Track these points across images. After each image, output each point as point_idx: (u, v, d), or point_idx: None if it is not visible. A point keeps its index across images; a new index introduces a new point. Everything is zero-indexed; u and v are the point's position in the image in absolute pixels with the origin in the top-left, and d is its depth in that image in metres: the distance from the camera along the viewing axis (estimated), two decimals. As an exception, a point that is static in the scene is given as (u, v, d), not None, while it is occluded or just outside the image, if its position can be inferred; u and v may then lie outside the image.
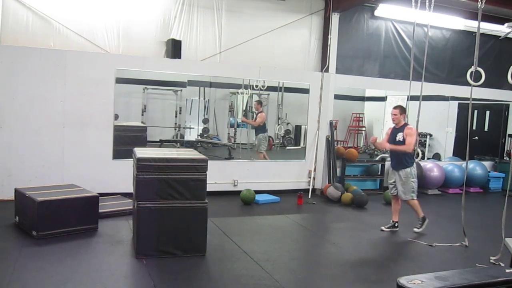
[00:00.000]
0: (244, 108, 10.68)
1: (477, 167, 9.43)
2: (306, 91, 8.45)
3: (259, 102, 9.31)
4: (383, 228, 6.07)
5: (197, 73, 8.11)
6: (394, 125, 6.05)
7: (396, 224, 6.07)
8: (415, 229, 5.98)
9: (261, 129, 9.16)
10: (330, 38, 8.26)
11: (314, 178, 8.32)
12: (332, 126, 8.55)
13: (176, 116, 10.53)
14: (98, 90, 6.85)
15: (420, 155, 6.16)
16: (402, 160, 5.88)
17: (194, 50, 7.60)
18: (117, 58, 7.02)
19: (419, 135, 8.19)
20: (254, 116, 9.39)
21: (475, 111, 11.03)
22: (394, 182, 6.01)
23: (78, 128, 6.79)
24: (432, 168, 8.95)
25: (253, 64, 7.94)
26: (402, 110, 6.00)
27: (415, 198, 5.97)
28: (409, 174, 5.87)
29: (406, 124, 5.95)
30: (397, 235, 5.91)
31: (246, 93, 9.53)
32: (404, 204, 6.04)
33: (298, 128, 11.02)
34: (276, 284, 4.05)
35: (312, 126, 8.50)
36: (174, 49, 7.26)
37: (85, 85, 6.78)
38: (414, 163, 5.94)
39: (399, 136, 5.87)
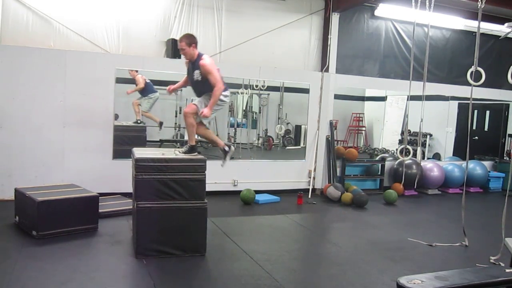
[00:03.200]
0: (244, 108, 10.67)
1: (477, 167, 9.43)
2: (306, 91, 8.45)
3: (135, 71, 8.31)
4: (178, 151, 4.93)
5: (197, 73, 8.09)
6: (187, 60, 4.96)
7: (227, 148, 5.13)
8: (177, 150, 4.95)
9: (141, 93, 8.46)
10: (330, 38, 8.26)
11: (314, 178, 8.32)
12: (332, 126, 8.55)
13: (176, 116, 10.52)
14: (98, 90, 6.85)
15: (411, 151, 6.06)
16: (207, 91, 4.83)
17: (194, 50, 7.59)
18: (117, 58, 7.02)
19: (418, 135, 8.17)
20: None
21: (475, 111, 11.03)
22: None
23: (78, 128, 6.79)
24: (432, 168, 8.94)
25: (253, 64, 7.94)
26: (189, 39, 4.77)
27: (204, 122, 4.96)
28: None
29: (200, 57, 4.79)
30: (397, 235, 5.90)
31: (246, 93, 9.52)
32: (404, 205, 5.96)
33: (298, 128, 11.00)
34: (276, 284, 4.05)
35: (312, 126, 8.50)
36: (174, 49, 7.25)
37: (85, 85, 6.78)
38: (227, 90, 4.92)
39: (196, 75, 4.81)
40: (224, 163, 5.20)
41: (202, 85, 4.83)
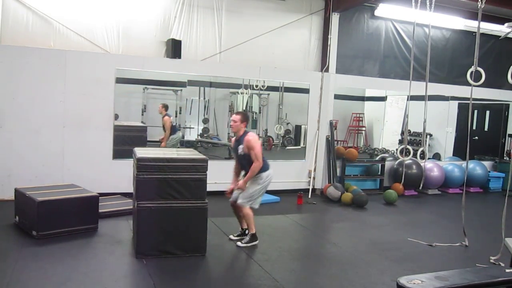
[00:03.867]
0: (244, 108, 10.67)
1: (477, 167, 9.42)
2: (306, 91, 8.45)
3: (164, 106, 8.91)
4: (231, 237, 5.30)
5: (197, 73, 8.10)
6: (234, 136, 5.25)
7: (247, 232, 5.23)
8: (239, 243, 5.11)
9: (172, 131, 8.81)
10: (330, 38, 8.26)
11: (314, 178, 8.31)
12: (332, 126, 8.55)
13: (176, 116, 10.52)
14: (98, 90, 6.85)
15: (427, 156, 6.03)
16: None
17: (194, 50, 7.60)
18: (117, 58, 7.02)
19: (419, 135, 8.19)
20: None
21: (475, 111, 11.03)
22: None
23: (78, 128, 6.79)
24: (432, 168, 8.95)
25: (253, 64, 7.93)
26: (244, 117, 5.15)
27: (249, 206, 5.08)
28: (257, 180, 5.07)
29: (246, 133, 5.08)
30: (397, 235, 5.91)
31: (246, 93, 9.52)
32: (404, 205, 5.96)
33: (298, 128, 11.01)
34: (276, 284, 4.05)
35: (312, 126, 8.49)
36: (174, 49, 7.26)
37: (85, 85, 6.78)
38: (268, 170, 5.14)
39: (240, 149, 5.06)
40: (242, 244, 5.11)
41: (245, 159, 5.09)
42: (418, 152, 6.71)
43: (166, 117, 8.81)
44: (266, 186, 5.16)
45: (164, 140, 8.75)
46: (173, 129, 8.85)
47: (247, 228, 5.23)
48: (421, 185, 7.30)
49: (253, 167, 4.97)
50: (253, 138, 5.03)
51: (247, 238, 5.14)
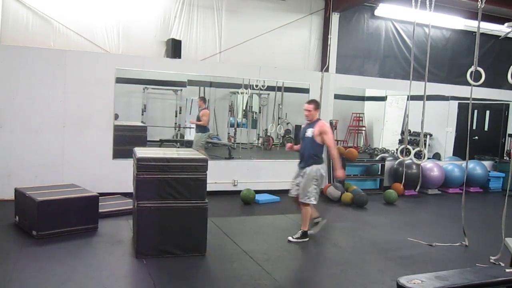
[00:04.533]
0: (244, 108, 10.68)
1: (477, 167, 9.42)
2: (306, 91, 8.45)
3: (202, 99, 9.19)
4: (290, 239, 5.37)
5: (197, 73, 8.11)
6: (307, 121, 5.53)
7: (319, 219, 5.57)
8: (290, 238, 5.36)
9: (200, 128, 8.79)
10: (330, 38, 8.26)
11: (314, 178, 8.30)
12: (332, 126, 8.55)
13: (176, 116, 10.53)
14: (98, 90, 6.85)
15: (426, 156, 6.08)
16: (309, 157, 5.34)
17: (194, 50, 7.60)
18: (117, 58, 7.02)
19: (419, 135, 8.16)
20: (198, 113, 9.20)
21: (475, 111, 11.03)
22: (299, 183, 5.43)
23: (78, 128, 6.79)
24: (432, 167, 8.95)
25: (253, 64, 7.93)
26: (317, 105, 5.51)
27: (312, 202, 5.34)
28: (313, 174, 5.29)
29: (318, 120, 5.45)
30: (397, 235, 5.90)
31: (246, 93, 9.53)
32: (404, 205, 5.96)
33: (298, 128, 11.01)
34: (276, 284, 4.05)
35: (312, 126, 8.48)
36: (174, 49, 7.26)
37: (85, 85, 6.78)
38: (323, 163, 5.40)
39: (309, 132, 5.35)
40: (293, 239, 5.39)
41: (309, 142, 5.36)
42: (413, 152, 6.70)
43: (207, 110, 8.98)
44: (321, 181, 5.44)
45: (193, 121, 8.95)
46: (206, 127, 8.88)
47: (318, 217, 5.58)
48: (418, 188, 7.32)
49: (332, 154, 5.34)
50: (327, 124, 5.47)
51: (299, 234, 5.37)
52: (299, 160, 5.53)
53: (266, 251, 4.95)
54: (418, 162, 6.39)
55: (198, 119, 8.71)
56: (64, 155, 6.75)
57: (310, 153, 5.34)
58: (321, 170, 5.36)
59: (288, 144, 5.82)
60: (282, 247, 5.20)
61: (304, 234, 5.38)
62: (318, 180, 5.35)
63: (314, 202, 5.38)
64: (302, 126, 5.66)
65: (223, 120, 10.99)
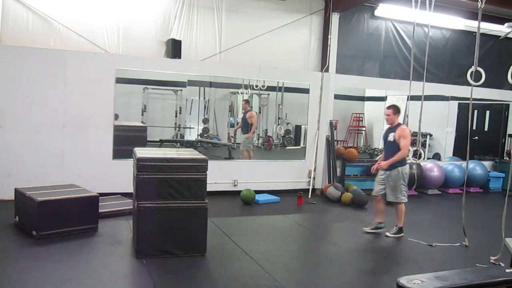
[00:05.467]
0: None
1: (477, 167, 9.43)
2: (306, 91, 8.45)
3: (247, 101, 9.29)
4: (365, 229, 5.87)
5: (197, 73, 8.10)
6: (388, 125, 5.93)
7: (379, 225, 5.87)
8: (387, 233, 5.76)
9: (247, 129, 9.07)
10: (330, 38, 8.26)
11: (314, 178, 8.31)
12: (332, 126, 8.55)
13: (176, 116, 10.53)
14: (98, 90, 6.85)
15: (422, 155, 6.18)
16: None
17: (194, 50, 7.60)
18: (117, 58, 7.02)
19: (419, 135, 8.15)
20: (243, 115, 9.33)
21: (475, 111, 11.03)
22: (384, 184, 5.79)
23: (78, 128, 6.79)
24: (432, 168, 8.95)
25: (253, 64, 7.94)
26: (395, 109, 5.84)
27: (405, 201, 5.76)
28: (400, 175, 5.67)
29: (399, 125, 5.79)
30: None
31: (246, 93, 9.53)
32: (406, 204, 5.95)
33: (298, 128, 11.01)
34: (276, 284, 4.05)
35: (312, 126, 8.50)
36: (174, 49, 7.25)
37: (85, 85, 6.78)
38: (407, 164, 5.76)
39: (391, 137, 5.74)
40: (390, 235, 5.76)
41: (392, 146, 5.72)
42: (412, 152, 6.72)
43: (253, 112, 9.20)
44: (406, 180, 5.72)
45: (252, 130, 9.21)
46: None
47: (380, 222, 5.84)
48: (414, 186, 7.41)
49: (400, 153, 5.59)
50: (406, 129, 5.70)
51: (395, 230, 5.74)
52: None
53: (266, 251, 4.95)
54: (414, 161, 6.43)
55: (245, 121, 9.03)
56: (64, 155, 6.75)
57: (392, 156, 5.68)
58: (405, 169, 5.73)
59: (378, 165, 5.84)
60: (282, 247, 5.20)
61: (400, 230, 5.76)
62: (405, 179, 5.72)
63: (406, 200, 5.76)
64: (384, 129, 6.05)
65: (223, 120, 10.99)
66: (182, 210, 4.57)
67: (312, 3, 8.35)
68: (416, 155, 6.43)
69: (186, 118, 10.68)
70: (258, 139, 10.66)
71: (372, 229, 5.87)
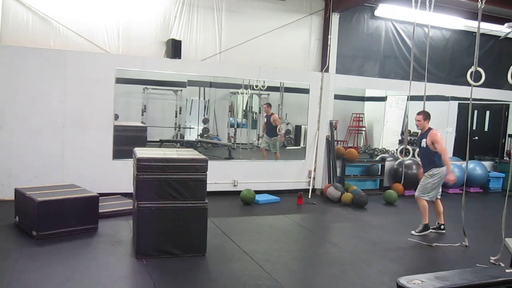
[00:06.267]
0: (244, 108, 10.68)
1: (477, 167, 9.43)
2: (306, 91, 8.45)
3: (269, 105, 9.36)
4: (413, 232, 5.90)
5: (197, 73, 8.10)
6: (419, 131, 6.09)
7: (442, 226, 6.03)
8: (412, 232, 5.91)
9: (273, 132, 9.20)
10: (330, 38, 8.26)
11: (314, 178, 8.32)
12: (332, 126, 8.55)
13: (176, 116, 10.53)
14: (98, 90, 6.85)
15: (411, 151, 6.30)
16: (429, 163, 5.87)
17: (194, 50, 7.60)
18: (117, 58, 7.02)
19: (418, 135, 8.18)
20: (266, 119, 9.38)
21: (475, 111, 11.02)
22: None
23: (78, 128, 6.79)
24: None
25: (253, 64, 7.94)
26: (425, 115, 5.92)
27: (427, 199, 5.87)
28: (431, 174, 5.81)
29: (430, 129, 5.87)
30: (397, 235, 5.90)
31: (246, 93, 9.53)
32: (404, 205, 6.00)
33: (298, 128, 11.01)
34: (276, 284, 4.05)
35: (312, 126, 8.50)
36: (174, 49, 7.26)
37: (85, 85, 6.78)
38: (443, 167, 5.80)
39: (423, 143, 5.88)
40: (416, 233, 5.89)
41: (426, 151, 5.88)
42: (412, 152, 6.77)
43: (276, 115, 9.34)
44: (438, 181, 5.81)
45: (281, 130, 9.41)
46: (276, 131, 9.20)
47: (442, 224, 6.00)
48: (402, 180, 7.59)
49: (444, 161, 5.76)
50: (438, 133, 5.80)
51: (420, 228, 5.87)
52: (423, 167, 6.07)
53: (266, 251, 4.95)
54: (401, 158, 6.52)
55: (269, 124, 9.14)
56: (64, 155, 6.75)
57: (429, 161, 5.86)
58: (439, 170, 5.79)
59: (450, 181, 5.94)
60: (282, 247, 5.20)
61: (426, 227, 5.88)
62: (435, 180, 5.79)
63: (427, 199, 5.85)
64: (418, 134, 6.16)
65: (223, 120, 10.99)
66: (182, 210, 4.57)
67: (312, 3, 8.35)
68: (402, 152, 6.60)
69: (186, 118, 10.69)
70: (258, 139, 10.66)
71: (433, 228, 6.03)
